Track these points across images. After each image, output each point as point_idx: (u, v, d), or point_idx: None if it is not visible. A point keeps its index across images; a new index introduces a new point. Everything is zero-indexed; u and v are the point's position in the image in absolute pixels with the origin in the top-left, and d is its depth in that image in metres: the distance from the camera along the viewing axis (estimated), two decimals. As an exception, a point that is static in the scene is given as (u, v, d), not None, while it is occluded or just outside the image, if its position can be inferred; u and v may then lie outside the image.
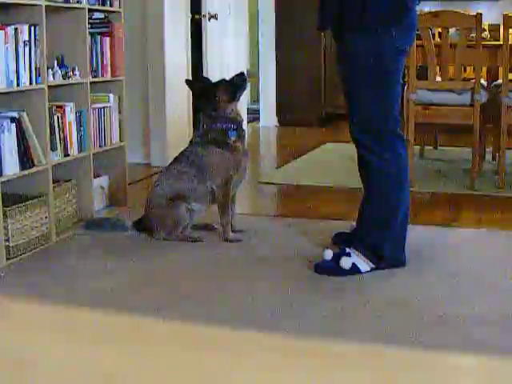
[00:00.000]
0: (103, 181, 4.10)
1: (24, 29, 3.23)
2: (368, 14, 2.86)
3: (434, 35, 5.33)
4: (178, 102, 5.70)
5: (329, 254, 3.05)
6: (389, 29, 2.91)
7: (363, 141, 3.00)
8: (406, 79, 4.59)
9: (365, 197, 3.11)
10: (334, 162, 5.74)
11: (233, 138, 3.48)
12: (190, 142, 3.62)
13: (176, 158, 3.62)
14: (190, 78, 5.85)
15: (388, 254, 3.04)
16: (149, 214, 3.58)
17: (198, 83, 3.66)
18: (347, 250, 3.03)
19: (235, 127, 3.50)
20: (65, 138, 3.60)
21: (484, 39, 5.13)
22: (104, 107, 3.95)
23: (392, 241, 3.05)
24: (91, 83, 3.79)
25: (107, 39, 3.93)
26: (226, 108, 3.51)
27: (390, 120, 2.99)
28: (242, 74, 3.61)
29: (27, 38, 3.25)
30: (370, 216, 3.08)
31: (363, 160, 3.07)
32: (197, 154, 3.51)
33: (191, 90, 3.72)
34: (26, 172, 3.30)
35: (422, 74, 4.82)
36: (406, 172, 3.06)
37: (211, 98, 3.50)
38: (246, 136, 3.66)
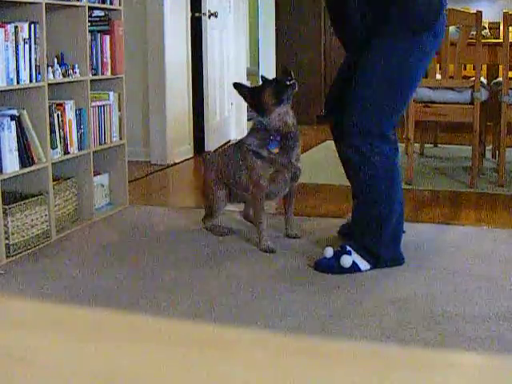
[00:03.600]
0: (103, 179, 4.10)
1: (24, 27, 3.23)
2: (406, 20, 2.91)
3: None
4: (178, 98, 5.70)
5: (329, 252, 3.05)
6: (420, 34, 2.95)
7: (355, 142, 2.98)
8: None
9: (355, 200, 3.12)
10: (333, 160, 5.72)
11: (273, 150, 3.27)
12: (246, 136, 3.46)
13: (231, 145, 3.62)
14: (190, 78, 5.86)
15: (384, 254, 3.04)
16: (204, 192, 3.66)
17: (245, 87, 3.42)
18: (347, 248, 3.03)
19: (278, 138, 3.27)
20: (65, 136, 3.60)
21: (484, 37, 5.13)
22: (104, 105, 3.95)
23: (387, 242, 3.04)
24: (91, 81, 3.79)
25: (107, 37, 3.93)
26: (272, 113, 3.25)
27: (390, 126, 3.00)
28: (285, 70, 3.30)
29: (27, 36, 3.25)
30: (362, 219, 3.09)
31: (350, 162, 3.06)
32: (240, 152, 3.39)
33: (240, 94, 3.41)
34: (26, 170, 3.30)
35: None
36: (395, 172, 3.03)
37: (256, 102, 3.29)
38: (298, 145, 3.36)
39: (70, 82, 3.68)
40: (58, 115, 3.54)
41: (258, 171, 3.29)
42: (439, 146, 6.25)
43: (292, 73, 3.27)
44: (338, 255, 3.02)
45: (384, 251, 3.03)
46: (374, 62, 3.00)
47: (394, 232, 3.05)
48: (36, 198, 3.38)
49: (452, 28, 4.98)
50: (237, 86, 3.40)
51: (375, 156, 2.96)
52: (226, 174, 3.48)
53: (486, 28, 6.23)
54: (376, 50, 2.99)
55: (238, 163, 3.40)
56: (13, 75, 3.19)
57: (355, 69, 3.06)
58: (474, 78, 4.65)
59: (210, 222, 3.61)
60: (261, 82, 3.45)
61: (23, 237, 3.28)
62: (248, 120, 7.30)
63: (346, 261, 2.99)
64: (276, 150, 3.27)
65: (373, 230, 3.04)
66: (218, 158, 3.59)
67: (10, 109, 3.29)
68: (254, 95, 3.32)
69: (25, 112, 3.31)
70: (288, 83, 3.24)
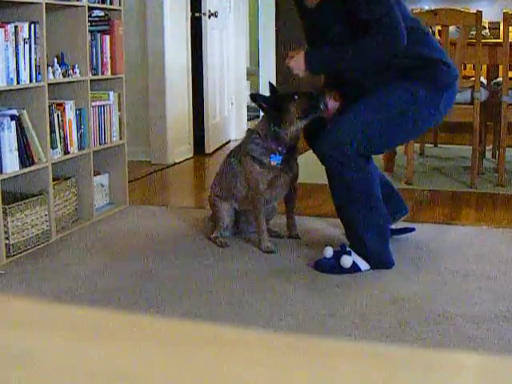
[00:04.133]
0: (103, 178, 4.10)
1: (24, 27, 3.23)
2: (434, 74, 2.98)
3: (433, 33, 5.33)
4: (178, 98, 5.70)
5: (329, 252, 3.05)
6: (443, 90, 3.00)
7: (329, 150, 2.94)
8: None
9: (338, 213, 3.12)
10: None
11: (273, 163, 3.25)
12: (243, 143, 3.40)
13: (228, 155, 3.50)
14: (190, 78, 5.86)
15: (375, 259, 3.03)
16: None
17: (264, 97, 3.31)
18: (347, 248, 3.03)
19: (284, 151, 3.25)
20: (65, 136, 3.60)
21: (484, 37, 5.12)
22: (104, 105, 3.95)
23: (374, 248, 3.02)
24: (91, 81, 3.79)
25: (107, 37, 3.93)
26: (292, 126, 3.20)
27: (368, 152, 3.00)
28: (322, 93, 3.18)
29: (27, 36, 3.25)
30: (347, 230, 3.09)
31: (325, 167, 3.02)
32: (239, 160, 3.35)
33: (258, 106, 3.32)
34: (26, 170, 3.30)
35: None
36: (371, 176, 2.99)
37: (279, 111, 3.20)
38: (296, 150, 3.35)
39: (70, 82, 3.68)
40: (58, 115, 3.54)
41: (256, 176, 3.27)
42: (439, 145, 6.25)
43: (326, 99, 3.16)
44: (337, 255, 3.02)
45: (375, 256, 3.03)
46: (388, 94, 2.97)
47: (379, 238, 3.03)
48: (36, 197, 3.38)
49: (452, 28, 4.99)
50: (254, 97, 3.30)
51: (350, 164, 2.92)
52: (224, 185, 3.42)
53: (485, 28, 6.23)
54: (395, 87, 2.97)
55: (234, 169, 3.36)
56: (13, 75, 3.19)
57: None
58: (473, 78, 4.65)
59: (214, 234, 3.48)
60: (270, 89, 3.36)
61: (23, 237, 3.28)
62: (248, 120, 7.31)
63: (346, 261, 2.99)
64: (277, 162, 3.25)
65: (357, 241, 3.04)
66: (217, 175, 3.53)
67: (10, 109, 3.29)
68: (277, 103, 3.22)
69: (25, 112, 3.31)
70: (321, 106, 3.16)
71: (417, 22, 3.03)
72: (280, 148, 3.24)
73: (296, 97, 3.19)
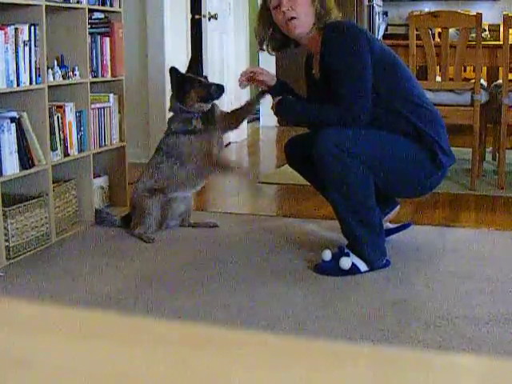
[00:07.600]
0: (103, 181, 4.10)
1: (24, 29, 3.23)
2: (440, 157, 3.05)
3: (433, 35, 5.33)
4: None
5: (327, 255, 3.04)
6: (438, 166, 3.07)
7: (328, 146, 2.91)
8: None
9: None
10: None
11: (194, 123, 3.53)
12: (165, 132, 3.67)
13: (155, 150, 3.68)
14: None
15: (371, 258, 3.03)
16: (131, 209, 3.70)
17: (178, 75, 3.60)
18: (346, 249, 3.03)
19: (198, 116, 3.55)
20: (65, 138, 3.61)
21: (484, 39, 5.13)
22: (104, 107, 3.95)
23: (369, 247, 3.02)
24: (91, 83, 3.79)
25: (107, 39, 3.93)
26: (193, 105, 3.54)
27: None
28: (222, 86, 3.61)
29: (27, 38, 3.25)
30: (342, 227, 3.09)
31: (323, 165, 2.97)
32: (169, 144, 3.57)
33: (171, 78, 3.62)
34: (25, 172, 3.30)
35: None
36: (365, 183, 2.98)
37: (183, 92, 3.53)
38: (218, 112, 3.68)
39: (70, 84, 3.68)
40: (58, 117, 3.55)
41: (196, 146, 3.53)
42: (439, 148, 6.24)
43: (224, 88, 3.62)
44: (336, 257, 3.02)
45: (372, 256, 3.03)
46: (388, 138, 3.02)
47: (373, 234, 3.03)
48: (36, 200, 3.38)
49: (452, 30, 4.99)
50: (172, 70, 3.58)
51: (349, 159, 2.92)
52: (161, 175, 3.60)
53: (486, 30, 6.24)
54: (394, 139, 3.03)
55: (172, 154, 3.56)
56: (13, 77, 3.19)
57: None
58: (474, 80, 4.65)
59: (138, 230, 3.60)
60: (188, 67, 3.73)
61: (23, 239, 3.28)
62: (248, 122, 7.31)
63: (345, 262, 2.99)
64: (196, 124, 3.54)
65: (350, 232, 3.04)
66: (147, 170, 3.69)
67: (10, 111, 3.29)
68: (182, 85, 3.55)
69: (25, 114, 3.31)
70: (216, 96, 3.58)
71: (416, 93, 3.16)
72: (192, 114, 3.55)
73: (199, 86, 3.56)
